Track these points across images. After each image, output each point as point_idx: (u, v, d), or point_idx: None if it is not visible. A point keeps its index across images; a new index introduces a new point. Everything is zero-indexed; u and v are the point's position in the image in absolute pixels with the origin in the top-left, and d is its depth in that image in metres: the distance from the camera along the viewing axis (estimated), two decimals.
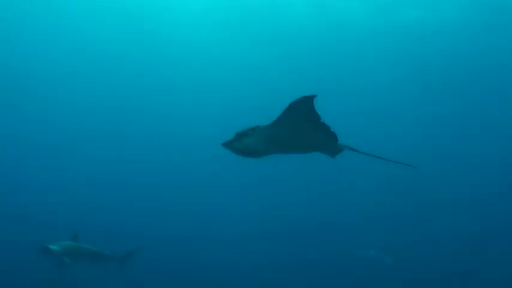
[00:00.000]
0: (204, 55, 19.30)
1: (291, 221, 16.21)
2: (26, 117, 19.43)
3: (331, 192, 16.64)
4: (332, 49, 18.69)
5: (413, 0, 16.46)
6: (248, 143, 3.53)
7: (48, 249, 8.42)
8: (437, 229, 15.13)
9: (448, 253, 14.16)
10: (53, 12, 17.92)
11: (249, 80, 19.56)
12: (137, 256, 9.78)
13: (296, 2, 17.08)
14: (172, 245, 14.81)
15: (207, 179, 17.82)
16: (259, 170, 14.76)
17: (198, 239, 15.50)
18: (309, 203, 16.69)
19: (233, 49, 19.12)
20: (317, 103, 3.37)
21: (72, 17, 18.11)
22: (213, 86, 19.81)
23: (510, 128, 18.37)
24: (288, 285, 13.67)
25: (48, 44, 18.99)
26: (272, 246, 15.11)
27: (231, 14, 17.69)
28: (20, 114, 19.31)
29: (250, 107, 15.05)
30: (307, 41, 18.41)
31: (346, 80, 19.03)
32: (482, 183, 16.79)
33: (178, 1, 17.53)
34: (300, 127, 3.37)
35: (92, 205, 16.01)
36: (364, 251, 14.16)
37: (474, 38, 17.41)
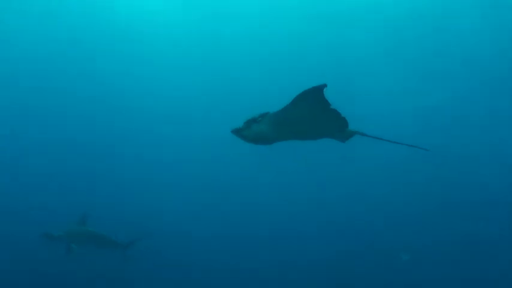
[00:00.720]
0: (203, 54, 19.35)
1: (297, 218, 16.10)
2: (27, 117, 19.40)
3: (335, 191, 16.52)
4: (334, 40, 18.60)
5: None
6: (258, 130, 3.50)
7: (51, 235, 8.23)
8: (450, 227, 14.56)
9: (461, 254, 13.76)
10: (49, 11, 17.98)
11: (249, 78, 19.57)
12: (140, 244, 9.71)
13: None
14: (172, 245, 14.74)
15: (208, 176, 17.80)
16: (262, 168, 14.77)
17: (207, 237, 15.40)
18: (316, 199, 16.50)
19: (234, 45, 19.16)
20: (329, 92, 3.40)
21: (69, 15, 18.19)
22: (213, 85, 19.80)
23: None
24: (298, 284, 13.54)
25: (47, 43, 18.97)
26: (276, 245, 15.04)
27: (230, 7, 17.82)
28: (19, 113, 19.27)
29: (255, 102, 14.96)
30: (308, 34, 18.40)
31: (351, 74, 18.71)
32: (500, 182, 16.21)
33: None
34: (310, 113, 3.37)
35: (91, 204, 15.90)
36: (397, 255, 13.69)
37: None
